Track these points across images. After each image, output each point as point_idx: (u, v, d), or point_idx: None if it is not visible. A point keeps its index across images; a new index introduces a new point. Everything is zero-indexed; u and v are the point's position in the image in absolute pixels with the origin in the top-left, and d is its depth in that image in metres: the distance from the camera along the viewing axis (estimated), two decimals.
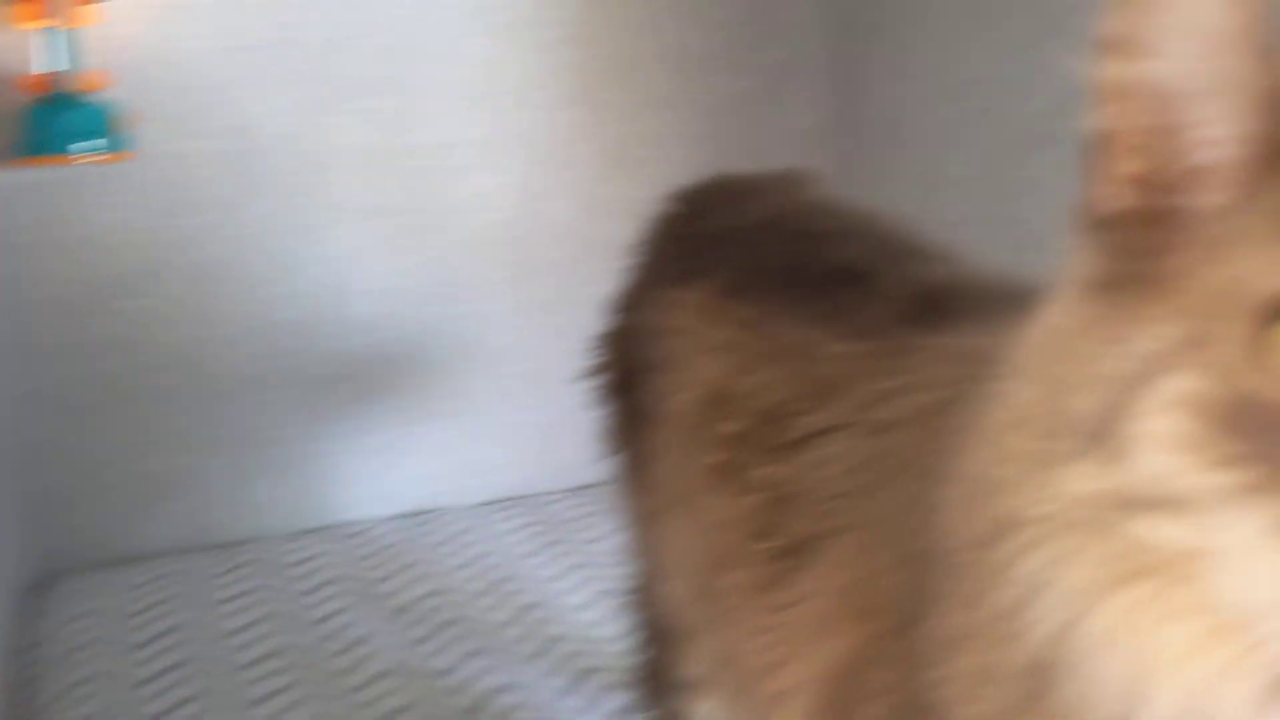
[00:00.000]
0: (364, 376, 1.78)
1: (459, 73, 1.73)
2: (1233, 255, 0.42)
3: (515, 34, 1.73)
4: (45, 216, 1.60)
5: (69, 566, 1.68)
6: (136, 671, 1.45)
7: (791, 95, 1.85)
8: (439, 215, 1.76)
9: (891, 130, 1.75)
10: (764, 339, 0.82)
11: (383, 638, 1.51)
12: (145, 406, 1.70)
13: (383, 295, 1.76)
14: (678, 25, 1.78)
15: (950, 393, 0.64)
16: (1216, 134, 0.44)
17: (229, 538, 1.76)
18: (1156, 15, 0.43)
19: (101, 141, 1.50)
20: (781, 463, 0.75)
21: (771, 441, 0.77)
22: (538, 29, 1.74)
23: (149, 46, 1.58)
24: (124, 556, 1.71)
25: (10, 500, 1.60)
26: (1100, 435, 0.44)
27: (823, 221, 0.92)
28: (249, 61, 1.62)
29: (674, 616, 0.96)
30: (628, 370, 1.00)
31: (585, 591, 1.60)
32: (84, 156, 1.49)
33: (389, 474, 1.83)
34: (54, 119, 1.48)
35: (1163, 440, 0.42)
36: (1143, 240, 0.45)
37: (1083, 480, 0.45)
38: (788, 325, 0.81)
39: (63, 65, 1.48)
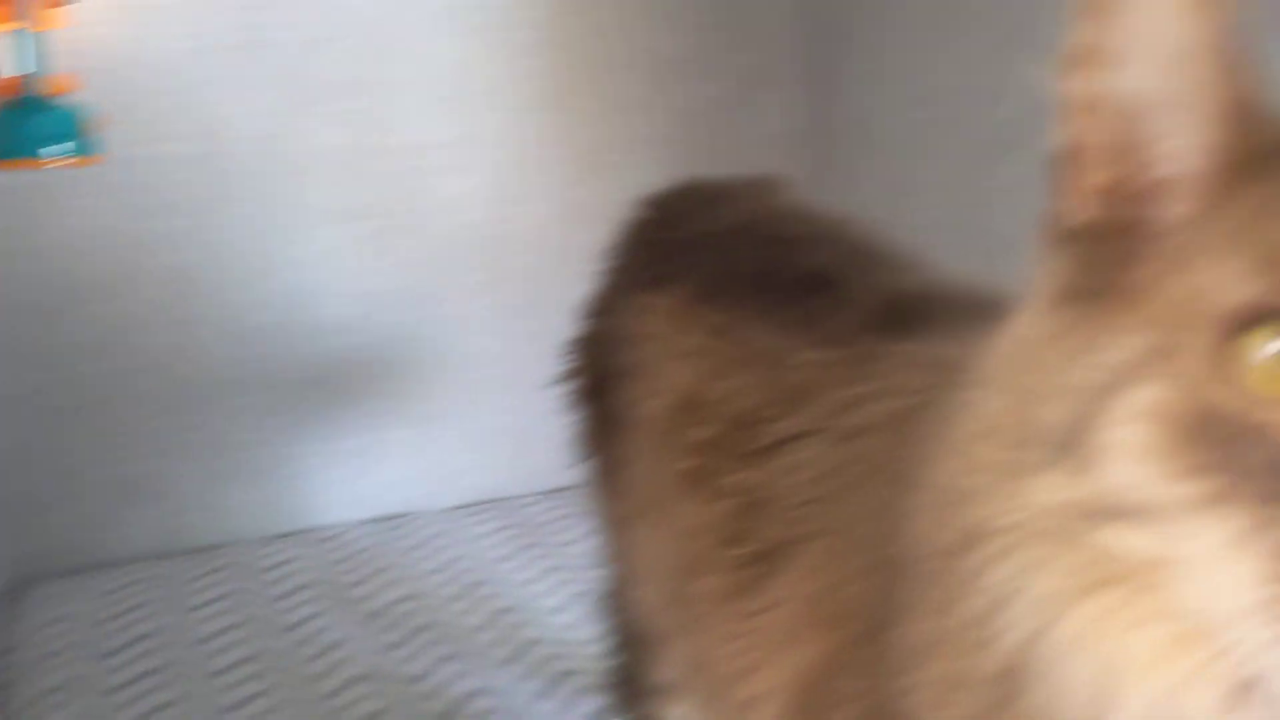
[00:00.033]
0: (338, 380, 1.78)
1: (431, 75, 1.72)
2: (1196, 267, 0.43)
3: (488, 37, 1.73)
4: (15, 221, 1.59)
5: (42, 572, 1.67)
6: (110, 678, 1.45)
7: (764, 100, 1.86)
8: (411, 218, 1.76)
9: (864, 135, 1.76)
10: (735, 345, 0.82)
11: (357, 642, 1.51)
12: (119, 411, 1.69)
13: (356, 298, 1.76)
14: (650, 29, 1.78)
15: (919, 400, 0.64)
16: (1181, 146, 0.45)
17: (203, 542, 1.75)
18: (1121, 29, 0.43)
19: (71, 145, 1.49)
20: (752, 469, 0.76)
21: (743, 448, 0.77)
22: (510, 32, 1.74)
23: (119, 49, 1.57)
24: (98, 561, 1.70)
25: None
26: (1068, 445, 0.45)
27: (794, 227, 0.92)
28: (220, 63, 1.62)
29: (647, 621, 0.96)
30: (599, 375, 1.00)
31: (560, 595, 1.61)
32: (54, 160, 1.48)
33: (362, 478, 1.82)
34: (23, 122, 1.47)
35: (1129, 450, 0.43)
36: (1110, 251, 0.46)
37: (1051, 490, 0.46)
38: (759, 331, 0.82)
39: (31, 68, 1.46)
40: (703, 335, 0.85)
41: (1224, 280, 0.41)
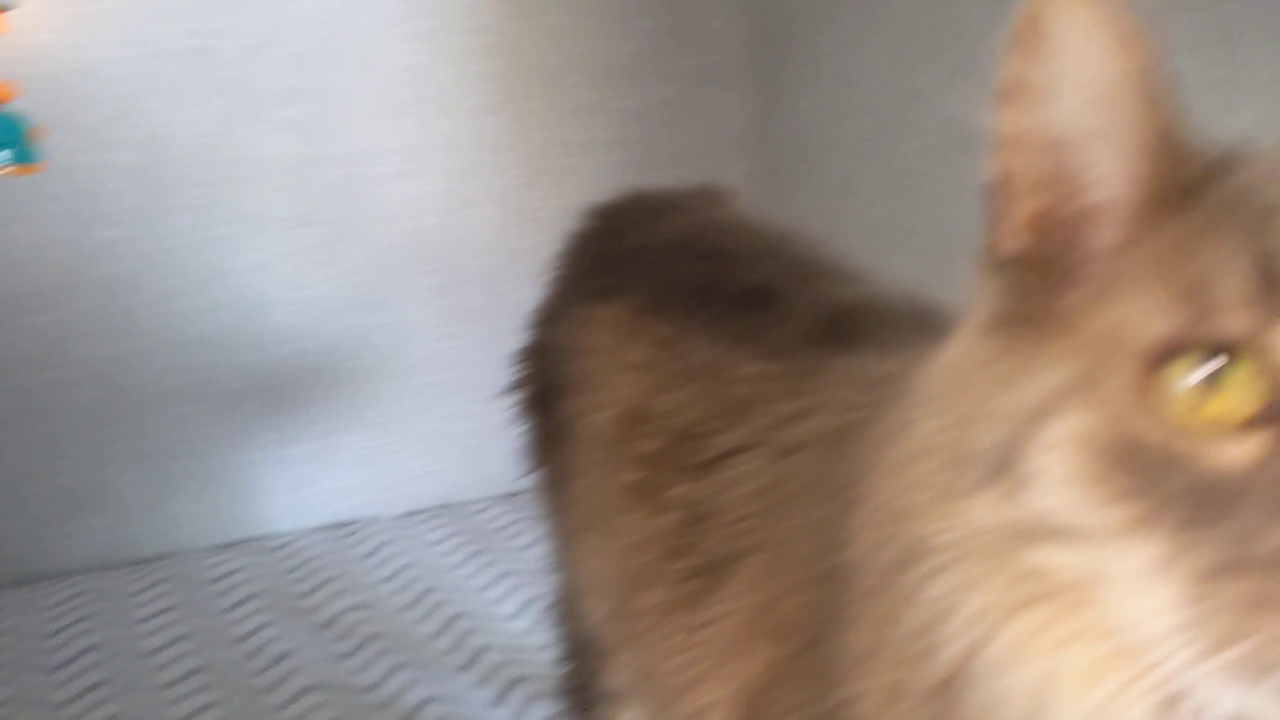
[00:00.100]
0: (285, 387, 1.77)
1: (380, 81, 1.72)
2: (1120, 298, 0.44)
3: (437, 41, 1.73)
4: None
5: None
6: (56, 693, 1.43)
7: (713, 103, 1.87)
8: (360, 224, 1.75)
9: (810, 137, 1.77)
10: (679, 358, 0.83)
11: (307, 653, 1.50)
12: (60, 421, 1.67)
13: (303, 305, 1.74)
14: (600, 34, 1.79)
15: (856, 416, 0.65)
16: (1106, 178, 0.46)
17: (148, 553, 1.74)
18: (1047, 65, 0.44)
19: (10, 153, 1.47)
20: (696, 482, 0.76)
21: (687, 461, 0.77)
22: (460, 36, 1.73)
23: (58, 56, 1.55)
24: (41, 574, 1.68)
25: None
26: (1001, 468, 0.46)
27: (737, 240, 0.93)
28: (162, 70, 1.60)
29: (595, 631, 0.97)
30: (545, 386, 1.00)
31: (513, 600, 1.60)
32: None
33: (311, 485, 1.81)
34: None
35: (1056, 476, 0.44)
36: (1039, 279, 0.47)
37: (985, 510, 0.47)
38: (702, 344, 0.82)
39: None
40: (647, 348, 0.85)
41: (1145, 314, 0.42)
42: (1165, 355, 0.41)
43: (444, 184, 1.78)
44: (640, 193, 1.05)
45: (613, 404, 0.85)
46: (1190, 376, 0.41)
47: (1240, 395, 0.40)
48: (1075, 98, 0.44)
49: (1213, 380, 0.40)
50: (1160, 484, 0.41)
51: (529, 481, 1.09)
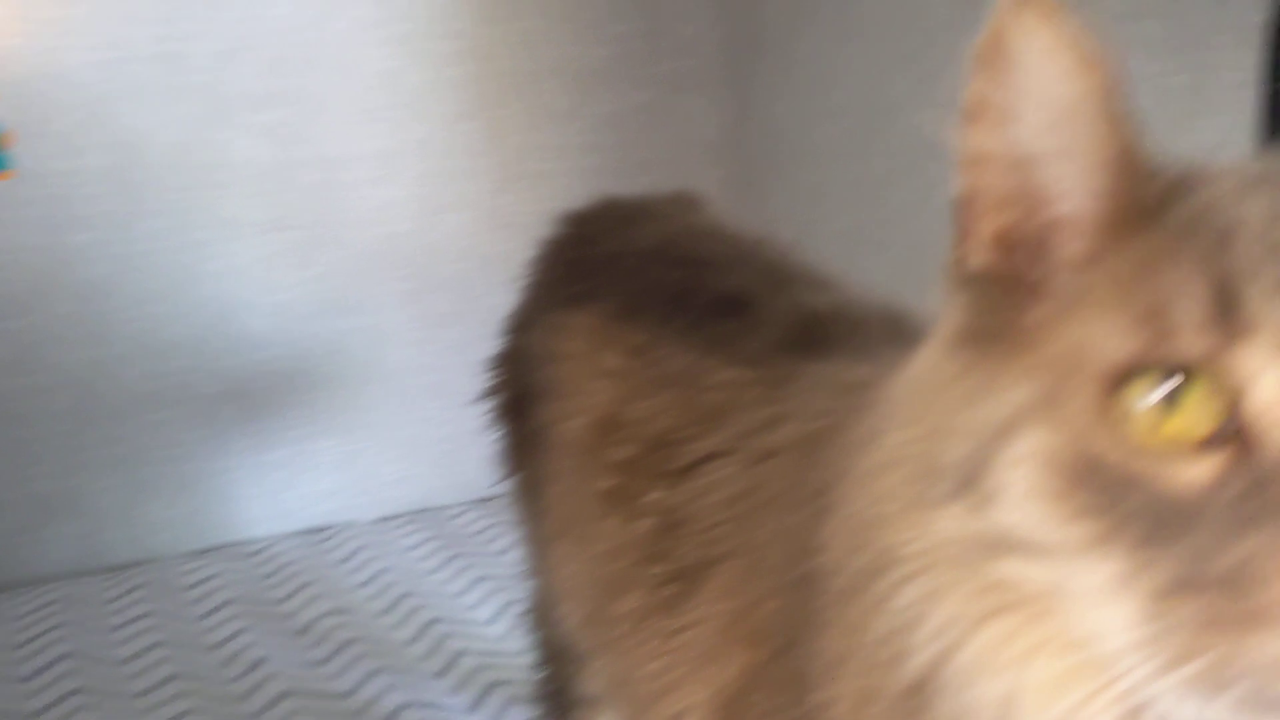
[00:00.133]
0: (260, 392, 1.76)
1: (354, 86, 1.71)
2: (1081, 317, 0.45)
3: (411, 46, 1.73)
4: None
5: None
6: (29, 702, 1.42)
7: (686, 109, 1.87)
8: (334, 229, 1.75)
9: (785, 143, 1.78)
10: (652, 365, 0.83)
11: (283, 659, 1.50)
12: (33, 427, 1.66)
13: (278, 310, 1.74)
14: (574, 39, 1.79)
15: (828, 422, 0.66)
16: (1068, 197, 0.46)
17: (122, 559, 1.73)
18: (1010, 85, 0.45)
19: None
20: (671, 489, 0.77)
21: (661, 467, 0.78)
22: (434, 41, 1.73)
23: (29, 61, 1.54)
24: (13, 581, 1.68)
25: None
26: (968, 482, 0.46)
27: (710, 247, 0.93)
28: (135, 75, 1.59)
29: (570, 637, 0.97)
30: (519, 393, 1.00)
31: (489, 605, 1.61)
32: None
33: (287, 491, 1.81)
34: None
35: (1019, 492, 0.45)
36: (1004, 295, 0.48)
37: (952, 523, 0.47)
38: (676, 352, 0.83)
39: None
40: (621, 355, 0.85)
41: (1105, 335, 0.43)
42: (1124, 376, 0.42)
43: (418, 189, 1.78)
44: (613, 199, 1.06)
45: (586, 411, 0.86)
46: (1149, 396, 0.42)
47: (1196, 415, 0.41)
48: (1037, 118, 0.45)
49: (1171, 400, 0.41)
50: (1120, 502, 0.42)
51: (504, 487, 1.10)
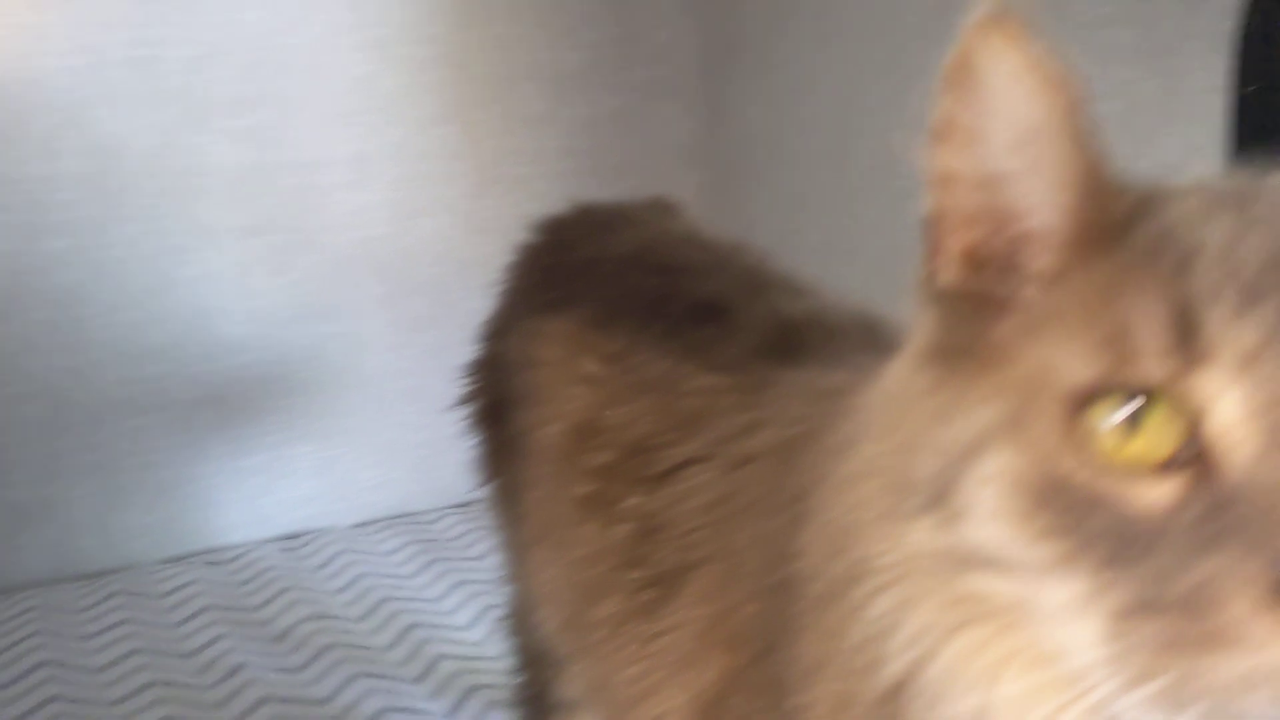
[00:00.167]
0: (236, 398, 1.76)
1: (329, 90, 1.71)
2: (1046, 339, 0.45)
3: (387, 50, 1.73)
4: None
5: None
6: (4, 710, 1.41)
7: (661, 114, 1.88)
8: (310, 234, 1.74)
9: (759, 149, 1.79)
10: (630, 372, 0.84)
11: (261, 665, 1.49)
12: (8, 434, 1.65)
13: (254, 316, 1.74)
14: (548, 44, 1.79)
15: (804, 429, 0.66)
16: (1035, 213, 0.47)
17: (98, 567, 1.72)
18: (976, 105, 0.46)
19: None
20: (649, 494, 0.77)
21: (639, 473, 0.78)
22: (409, 46, 1.73)
23: (2, 66, 1.53)
24: None
25: None
26: (938, 498, 0.47)
27: (686, 254, 0.94)
28: (108, 80, 1.59)
29: (549, 642, 0.97)
30: (496, 400, 1.01)
31: (468, 610, 1.61)
32: None
33: (264, 496, 1.81)
34: None
35: (986, 511, 0.46)
36: (974, 312, 0.49)
37: (924, 536, 0.48)
38: (653, 358, 0.83)
39: None
40: (598, 361, 0.86)
41: (1069, 358, 0.44)
42: (1088, 399, 0.43)
43: (394, 193, 1.78)
44: (590, 205, 1.06)
45: (564, 417, 0.86)
46: (1112, 418, 0.42)
47: (1158, 436, 0.42)
48: (1004, 138, 0.46)
49: (1133, 421, 0.42)
50: (1084, 523, 0.43)
51: (482, 492, 1.10)
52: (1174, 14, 1.16)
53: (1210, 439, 0.41)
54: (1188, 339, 0.41)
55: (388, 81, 1.74)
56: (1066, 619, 0.43)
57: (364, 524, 1.85)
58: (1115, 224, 0.45)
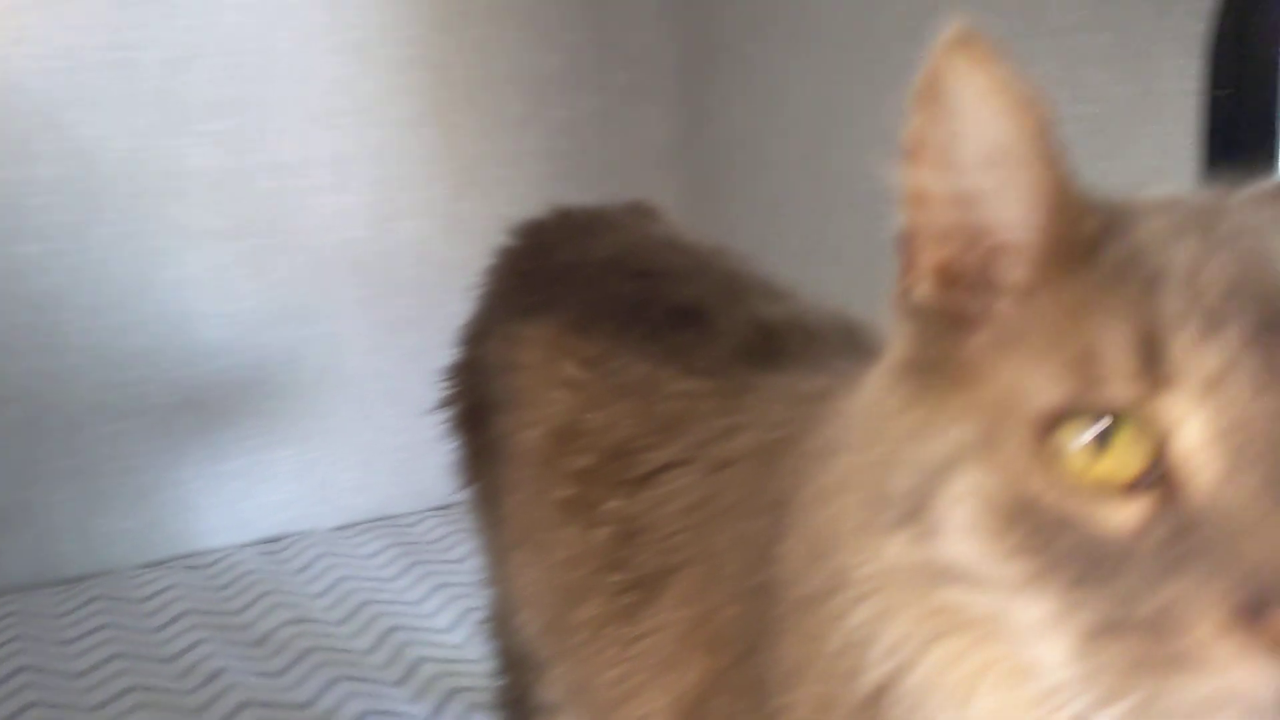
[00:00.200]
0: (215, 402, 1.75)
1: (307, 92, 1.71)
2: (1015, 360, 0.46)
3: (365, 53, 1.72)
4: None
5: None
6: None
7: (641, 115, 1.88)
8: (289, 236, 1.74)
9: (738, 152, 1.79)
10: (610, 375, 0.84)
11: (242, 670, 1.49)
12: None
13: (233, 319, 1.73)
14: (527, 47, 1.79)
15: (784, 433, 0.67)
16: (1006, 230, 0.48)
17: (77, 571, 1.71)
18: (946, 125, 0.46)
19: None
20: (629, 498, 0.77)
21: (619, 477, 0.79)
22: (388, 48, 1.73)
23: None
24: None
25: None
26: (913, 514, 0.48)
27: (666, 258, 0.94)
28: (87, 83, 1.58)
29: (530, 645, 0.97)
30: (475, 403, 1.01)
31: (449, 612, 1.61)
32: None
33: (244, 500, 1.80)
34: None
35: (959, 528, 0.46)
36: (947, 329, 0.49)
37: (900, 549, 0.49)
38: (633, 362, 0.83)
39: None
40: (578, 365, 0.86)
41: (1038, 380, 0.45)
42: (1056, 420, 0.44)
43: (373, 195, 1.77)
44: (569, 209, 1.06)
45: (544, 421, 0.86)
46: (1080, 438, 0.43)
47: (1125, 456, 0.42)
48: (973, 157, 0.46)
49: (1101, 441, 0.43)
50: (1053, 543, 0.43)
51: (462, 495, 1.10)
52: (1147, 18, 1.17)
53: (1175, 462, 0.41)
54: (1153, 363, 0.42)
55: (367, 84, 1.73)
56: (1037, 636, 0.44)
57: (344, 527, 1.84)
58: (1084, 242, 0.46)
